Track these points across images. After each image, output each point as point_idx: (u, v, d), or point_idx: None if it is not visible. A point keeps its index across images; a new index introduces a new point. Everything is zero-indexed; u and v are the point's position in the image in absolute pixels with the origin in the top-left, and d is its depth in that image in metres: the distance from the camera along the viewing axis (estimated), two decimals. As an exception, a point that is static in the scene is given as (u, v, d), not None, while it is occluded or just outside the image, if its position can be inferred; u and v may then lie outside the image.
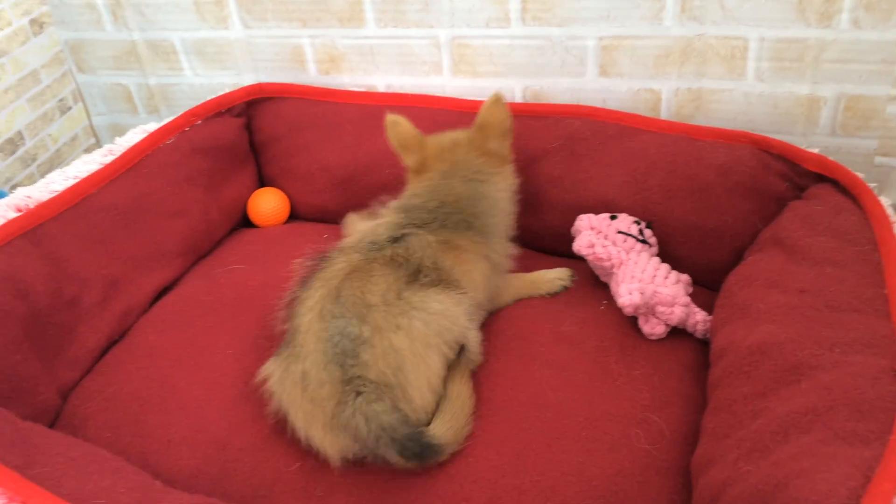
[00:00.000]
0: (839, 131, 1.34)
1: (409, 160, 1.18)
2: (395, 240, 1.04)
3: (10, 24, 1.57)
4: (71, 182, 1.23)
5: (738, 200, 1.22)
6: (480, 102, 1.44)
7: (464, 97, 1.48)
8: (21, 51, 1.60)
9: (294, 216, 1.55)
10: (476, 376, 1.04)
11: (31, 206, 1.16)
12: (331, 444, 0.91)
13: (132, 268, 1.22)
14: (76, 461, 0.82)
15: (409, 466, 0.90)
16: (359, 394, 0.89)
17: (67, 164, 1.75)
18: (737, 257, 1.23)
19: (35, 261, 1.10)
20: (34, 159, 1.67)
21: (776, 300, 0.98)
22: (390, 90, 1.56)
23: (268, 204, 1.49)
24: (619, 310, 1.14)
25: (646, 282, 1.10)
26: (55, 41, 1.69)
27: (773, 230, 1.16)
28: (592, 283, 1.22)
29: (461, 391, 0.96)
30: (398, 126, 1.17)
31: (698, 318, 1.10)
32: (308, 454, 0.95)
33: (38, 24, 1.64)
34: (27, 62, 1.62)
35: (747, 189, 1.22)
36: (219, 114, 1.45)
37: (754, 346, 0.92)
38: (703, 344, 1.11)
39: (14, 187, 1.63)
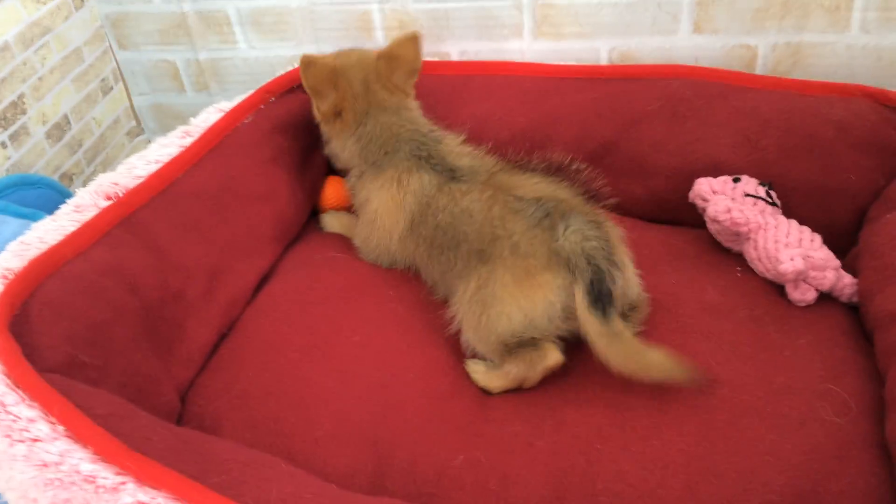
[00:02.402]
0: (948, 83, 1.30)
1: (323, 105, 1.19)
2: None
3: (52, -2, 1.46)
4: (154, 167, 1.14)
5: (859, 157, 1.18)
6: (564, 66, 1.38)
7: (544, 62, 1.41)
8: (65, 27, 1.50)
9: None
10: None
11: (120, 194, 1.07)
12: (548, 288, 0.94)
13: (230, 255, 1.13)
14: (249, 467, 0.75)
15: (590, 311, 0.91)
16: (568, 227, 0.95)
17: (110, 148, 1.66)
18: (859, 217, 1.18)
19: (137, 251, 1.01)
20: (80, 145, 1.57)
21: (945, 259, 0.93)
22: (464, 56, 1.48)
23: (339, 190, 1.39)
24: (755, 276, 1.09)
25: (793, 245, 1.04)
26: (95, 16, 1.58)
27: (907, 186, 1.11)
28: (715, 248, 1.17)
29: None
30: (314, 67, 1.15)
31: (846, 282, 1.05)
32: (470, 444, 0.89)
33: (79, -2, 1.53)
34: (71, 39, 1.52)
35: (868, 144, 1.17)
36: (291, 89, 1.36)
37: (937, 309, 0.87)
38: (850, 308, 1.06)
39: (63, 177, 1.54)
